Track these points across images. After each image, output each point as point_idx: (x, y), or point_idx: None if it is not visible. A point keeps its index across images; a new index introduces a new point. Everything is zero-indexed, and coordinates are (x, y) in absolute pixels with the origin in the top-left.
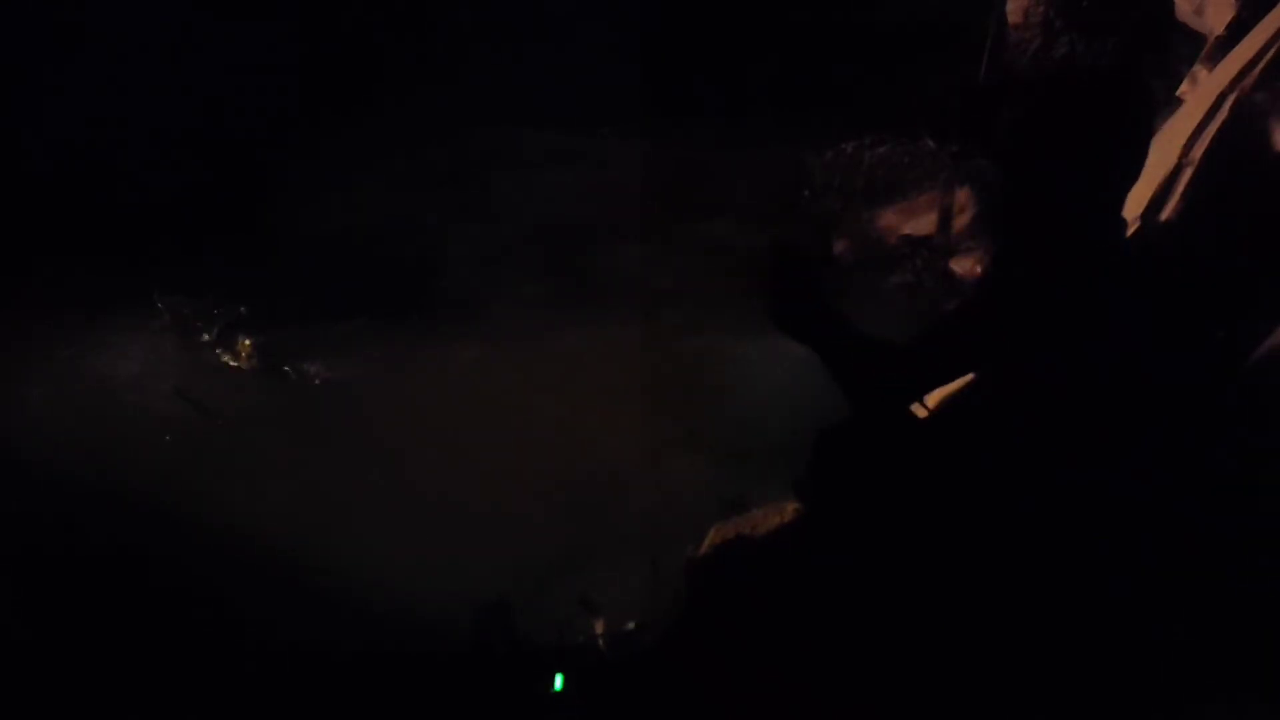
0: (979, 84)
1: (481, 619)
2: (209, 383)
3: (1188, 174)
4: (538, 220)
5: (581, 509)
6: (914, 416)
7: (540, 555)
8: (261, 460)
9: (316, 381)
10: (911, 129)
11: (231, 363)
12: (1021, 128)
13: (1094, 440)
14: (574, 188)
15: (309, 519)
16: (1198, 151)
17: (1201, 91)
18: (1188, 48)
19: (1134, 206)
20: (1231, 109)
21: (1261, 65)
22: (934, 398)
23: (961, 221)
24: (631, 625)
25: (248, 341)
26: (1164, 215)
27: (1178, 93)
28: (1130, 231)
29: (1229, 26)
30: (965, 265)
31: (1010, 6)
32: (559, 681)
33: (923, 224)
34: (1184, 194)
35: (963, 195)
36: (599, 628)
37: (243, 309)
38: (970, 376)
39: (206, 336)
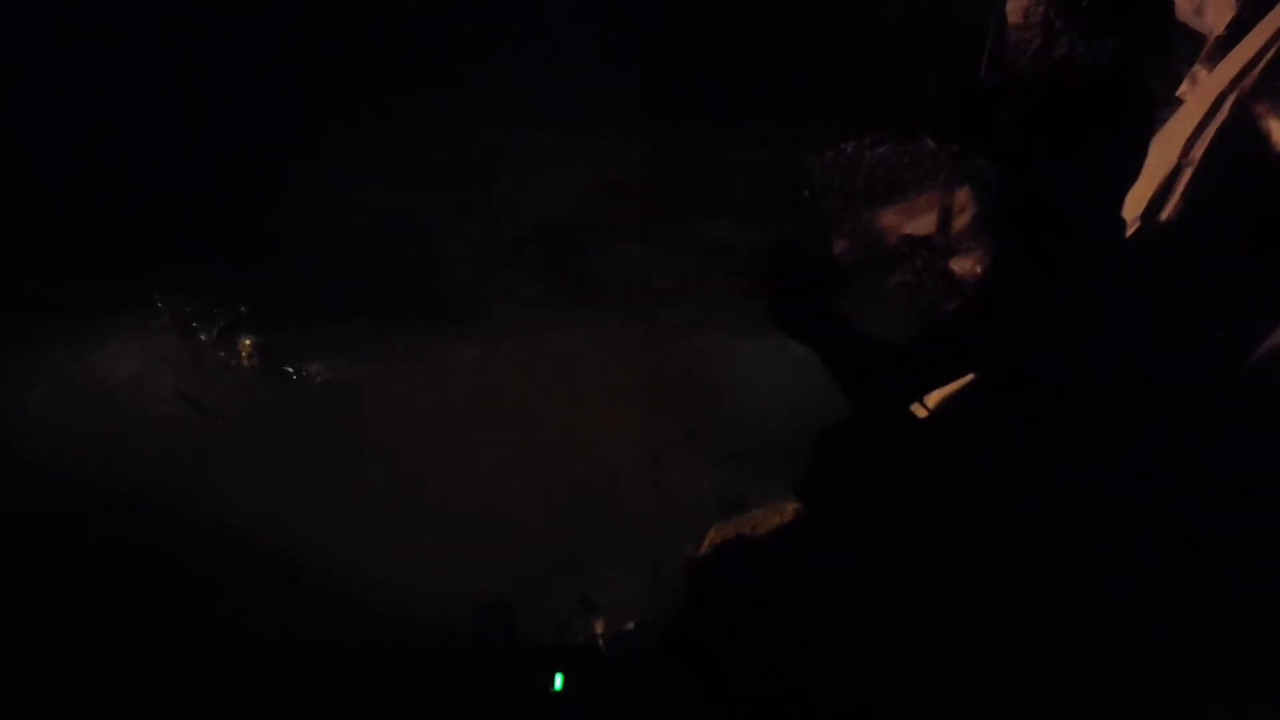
0: (979, 84)
1: (481, 619)
2: (209, 383)
3: (1188, 174)
4: (538, 220)
5: (581, 509)
6: (914, 416)
7: (540, 555)
8: (261, 460)
9: (317, 381)
10: (911, 129)
11: (231, 363)
12: (1021, 128)
13: (1094, 440)
14: (574, 188)
15: (309, 519)
16: (1198, 151)
17: (1201, 91)
18: (1188, 48)
19: (1134, 206)
20: (1231, 109)
21: (1261, 65)
22: (934, 398)
23: (961, 221)
24: (631, 625)
25: (248, 341)
26: (1164, 215)
27: (1178, 93)
28: (1130, 231)
29: (1229, 26)
30: (965, 265)
31: (1010, 6)
32: (559, 681)
33: (923, 224)
34: (1184, 194)
35: (963, 195)
36: (599, 628)
37: (243, 309)
38: (970, 376)
39: (206, 337)
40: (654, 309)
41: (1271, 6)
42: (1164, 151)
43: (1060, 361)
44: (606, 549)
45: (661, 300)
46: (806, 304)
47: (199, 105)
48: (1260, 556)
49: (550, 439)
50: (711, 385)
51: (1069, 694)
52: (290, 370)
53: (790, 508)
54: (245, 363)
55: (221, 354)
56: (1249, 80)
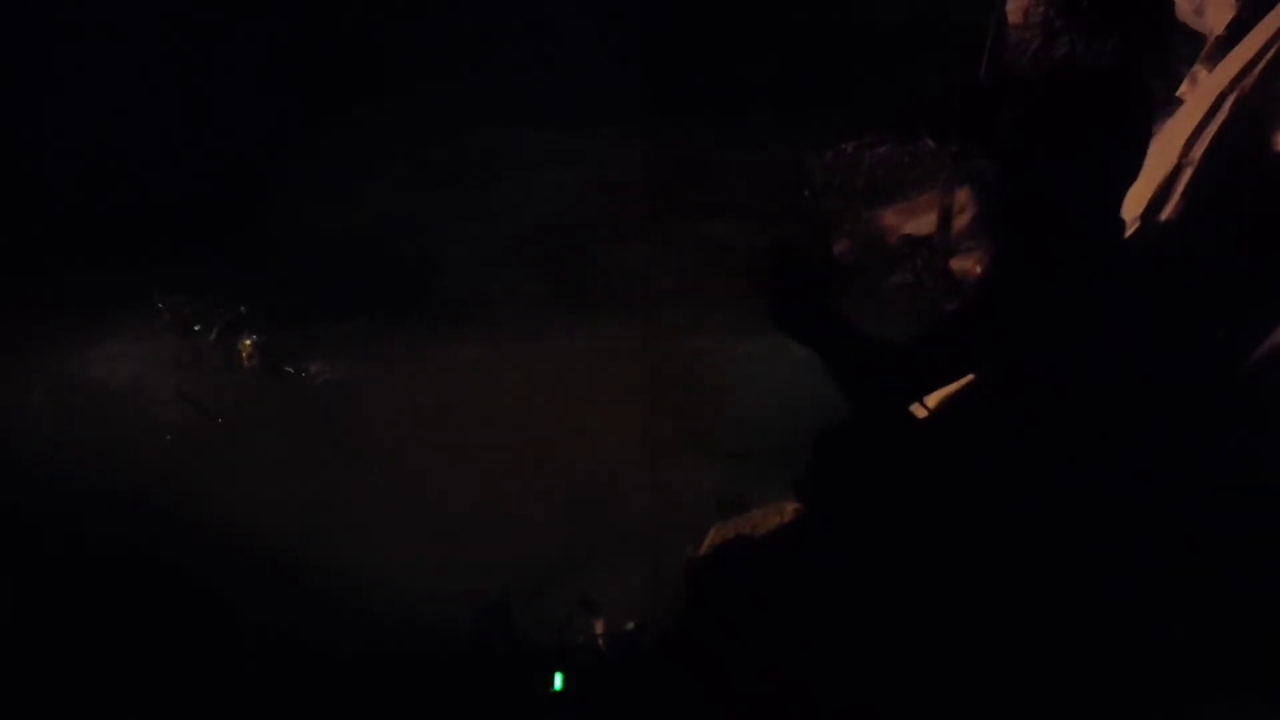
0: (979, 84)
1: (481, 619)
2: (209, 383)
3: (1188, 174)
4: (538, 220)
5: (581, 509)
6: (914, 416)
7: (540, 555)
8: (261, 460)
9: (317, 381)
10: (911, 129)
11: (231, 363)
12: (1021, 128)
13: (1094, 440)
14: (574, 188)
15: (309, 519)
16: (1198, 151)
17: (1201, 91)
18: (1188, 48)
19: (1134, 206)
20: (1231, 109)
21: (1261, 65)
22: (934, 398)
23: (961, 221)
24: (631, 625)
25: (248, 341)
26: (1164, 215)
27: (1178, 93)
28: (1130, 231)
29: (1229, 26)
30: (965, 265)
31: (1010, 6)
32: (559, 681)
33: (923, 224)
34: (1184, 194)
35: (963, 195)
36: (599, 628)
37: (243, 309)
38: (970, 376)
39: (206, 337)
40: (654, 309)
41: (1271, 6)
42: (1164, 151)
43: (1060, 361)
44: (606, 549)
45: (661, 300)
46: (806, 304)
47: (199, 105)
48: (1260, 556)
49: (550, 439)
50: (711, 385)
51: (1069, 694)
52: (290, 370)
53: (790, 508)
54: (245, 363)
55: (221, 354)
56: (1249, 80)
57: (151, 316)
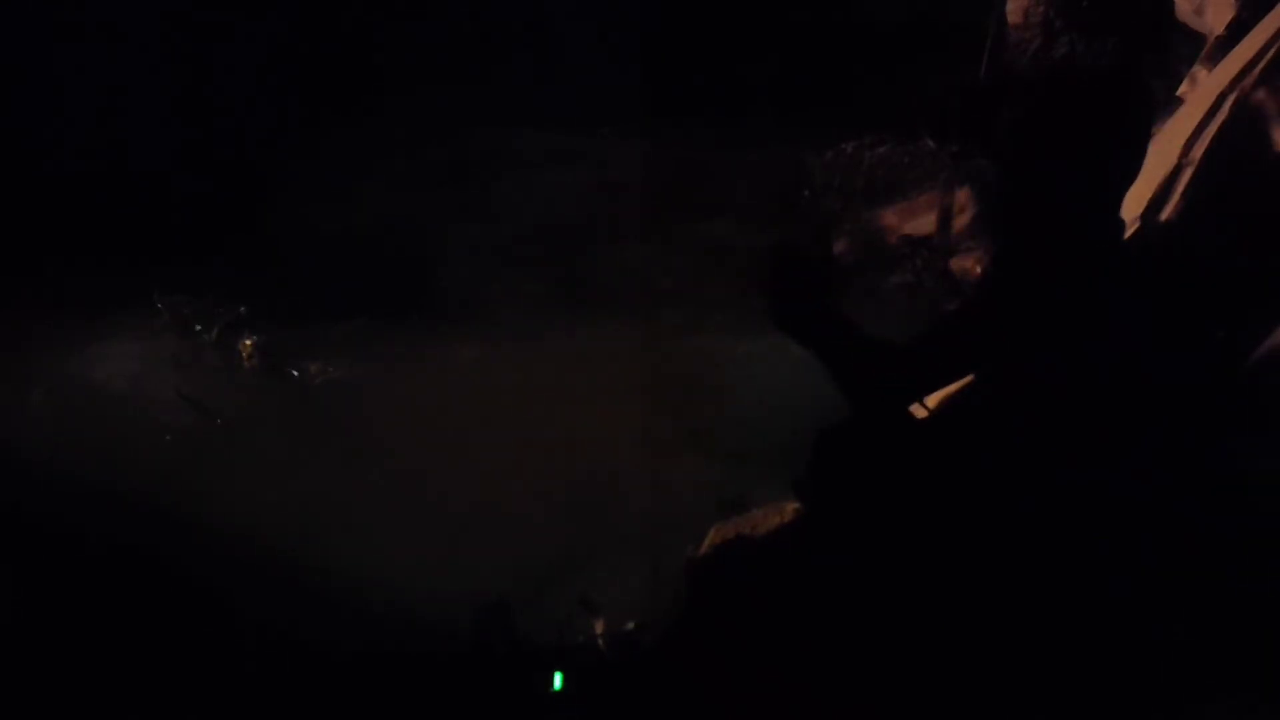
0: (979, 84)
1: (481, 619)
2: (209, 383)
3: (1188, 174)
4: (538, 220)
5: (581, 509)
6: (914, 416)
7: (540, 555)
8: (261, 460)
9: (317, 381)
10: (911, 129)
11: (231, 363)
12: (1021, 128)
13: (1094, 440)
14: (574, 188)
15: (309, 519)
16: (1198, 151)
17: (1201, 91)
18: (1188, 48)
19: (1134, 206)
20: (1231, 109)
21: (1261, 65)
22: (934, 398)
23: (961, 221)
24: (631, 625)
25: (248, 341)
26: (1164, 215)
27: (1178, 93)
28: (1130, 231)
29: (1229, 26)
30: (965, 265)
31: (1010, 6)
32: (559, 681)
33: (923, 224)
34: (1184, 194)
35: (963, 195)
36: (599, 628)
37: (243, 309)
38: (970, 376)
39: (206, 337)
40: (654, 309)
41: (1271, 6)
42: (1164, 151)
43: (1060, 361)
44: (606, 549)
45: (661, 300)
46: (806, 304)
47: (199, 105)
48: (1260, 556)
49: (550, 439)
50: (711, 385)
51: (1069, 694)
52: (290, 370)
53: (790, 508)
54: (245, 363)
55: (221, 354)
56: (1249, 80)
57: (151, 316)
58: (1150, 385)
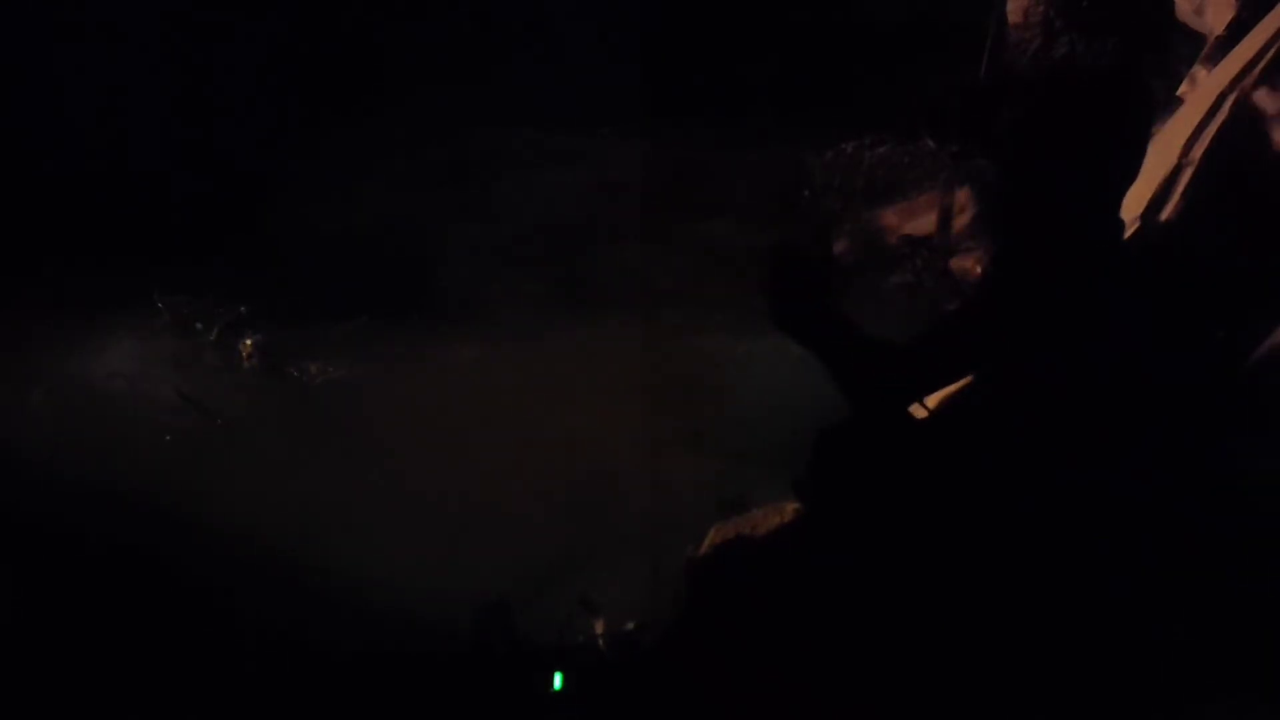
0: (979, 84)
1: (481, 619)
2: (209, 383)
3: (1188, 174)
4: (538, 220)
5: (581, 509)
6: (914, 416)
7: (540, 555)
8: (261, 460)
9: (317, 381)
10: (911, 129)
11: (231, 363)
12: (1021, 128)
13: (1094, 440)
14: (574, 188)
15: (309, 519)
16: (1198, 151)
17: (1201, 91)
18: (1188, 48)
19: (1134, 206)
20: (1231, 109)
21: (1261, 65)
22: (934, 398)
23: (961, 221)
24: (631, 625)
25: (248, 341)
26: (1164, 215)
27: (1178, 93)
28: (1130, 231)
29: (1229, 26)
30: (965, 265)
31: (1010, 6)
32: (559, 681)
33: (923, 224)
34: (1184, 194)
35: (963, 195)
36: (599, 628)
37: (243, 309)
38: (970, 376)
39: (206, 337)
40: (654, 309)
41: (1271, 6)
42: (1164, 151)
43: (1060, 361)
44: (606, 549)
45: (661, 300)
46: (806, 304)
47: (199, 105)
48: (1260, 556)
49: (550, 439)
50: (711, 385)
51: (1069, 694)
52: (290, 370)
53: (790, 508)
54: (245, 363)
55: (221, 354)
56: (1249, 80)
57: (151, 316)
58: (1150, 385)
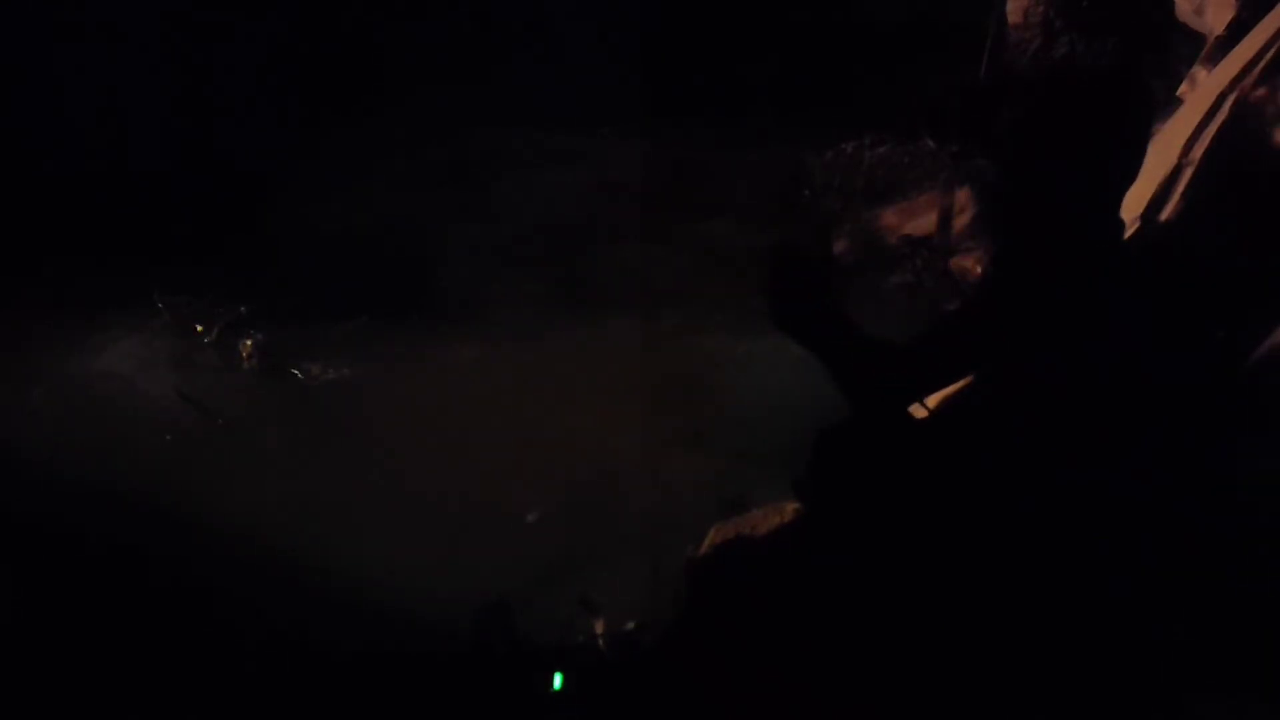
0: (979, 84)
1: (481, 619)
2: (209, 383)
3: (1188, 174)
4: (538, 220)
5: (581, 509)
6: (914, 416)
7: (540, 555)
8: (261, 460)
9: (317, 381)
10: (911, 129)
11: (231, 363)
12: (1021, 128)
13: (1094, 440)
14: (574, 188)
15: (309, 519)
16: (1198, 151)
17: (1201, 91)
18: (1188, 48)
19: (1134, 206)
20: (1231, 109)
21: (1261, 65)
22: (934, 398)
23: (961, 221)
24: (631, 625)
25: (248, 341)
26: (1164, 215)
27: (1178, 93)
28: (1130, 231)
29: (1229, 26)
30: (965, 265)
31: (1010, 6)
32: (559, 681)
33: (923, 224)
34: (1184, 194)
35: (963, 195)
36: (599, 628)
37: (243, 309)
38: (970, 376)
39: (206, 337)
40: (654, 309)
41: (1271, 6)
42: (1164, 151)
43: (1060, 361)
44: (606, 549)
45: (661, 300)
46: (806, 304)
47: (199, 105)
48: (1260, 556)
49: (550, 439)
50: (711, 385)
51: (1069, 694)
52: (290, 370)
53: (790, 508)
54: (245, 363)
55: (221, 354)
56: (1249, 80)
57: (151, 316)
58: (1150, 385)
